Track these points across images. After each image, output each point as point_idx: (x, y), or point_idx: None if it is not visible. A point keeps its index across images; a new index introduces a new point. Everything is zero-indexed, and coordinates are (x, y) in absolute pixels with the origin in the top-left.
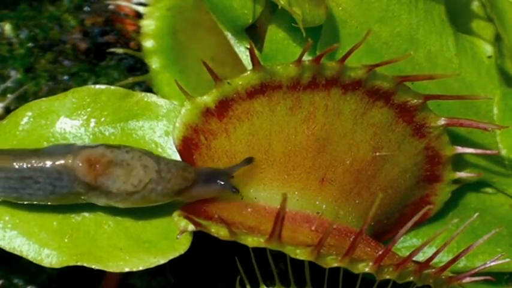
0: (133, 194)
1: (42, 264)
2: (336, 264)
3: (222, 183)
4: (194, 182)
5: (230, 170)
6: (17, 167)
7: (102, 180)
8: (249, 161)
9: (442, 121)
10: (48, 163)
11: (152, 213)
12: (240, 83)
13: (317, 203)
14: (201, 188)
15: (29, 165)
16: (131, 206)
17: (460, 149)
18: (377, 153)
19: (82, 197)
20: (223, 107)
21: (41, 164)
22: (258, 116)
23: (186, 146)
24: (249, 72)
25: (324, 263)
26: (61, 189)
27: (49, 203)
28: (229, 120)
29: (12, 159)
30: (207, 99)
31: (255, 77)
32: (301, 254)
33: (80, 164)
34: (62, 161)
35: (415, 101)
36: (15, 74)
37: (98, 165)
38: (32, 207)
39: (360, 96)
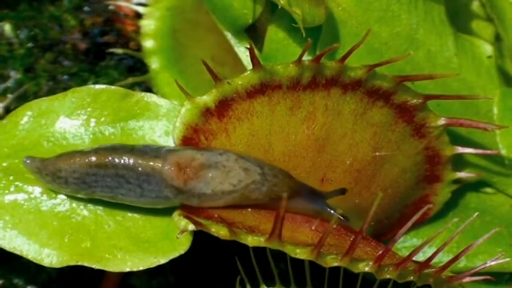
0: (232, 193)
1: (43, 264)
2: (336, 264)
3: (324, 205)
4: (296, 193)
5: (328, 195)
6: (113, 162)
7: (193, 183)
8: (343, 191)
9: (442, 121)
10: (139, 163)
11: (152, 213)
12: (240, 82)
13: None
14: (301, 202)
15: (123, 162)
16: (225, 204)
17: (460, 149)
18: (377, 153)
19: (172, 201)
20: (223, 106)
21: (133, 163)
22: (258, 116)
23: (186, 145)
24: (249, 72)
25: (324, 263)
26: (149, 193)
27: (143, 206)
28: (229, 120)
29: (109, 154)
30: (207, 99)
31: (255, 77)
32: (301, 254)
33: (170, 168)
34: (151, 163)
35: (415, 100)
36: (15, 74)
37: (188, 169)
38: (31, 206)
39: (359, 96)
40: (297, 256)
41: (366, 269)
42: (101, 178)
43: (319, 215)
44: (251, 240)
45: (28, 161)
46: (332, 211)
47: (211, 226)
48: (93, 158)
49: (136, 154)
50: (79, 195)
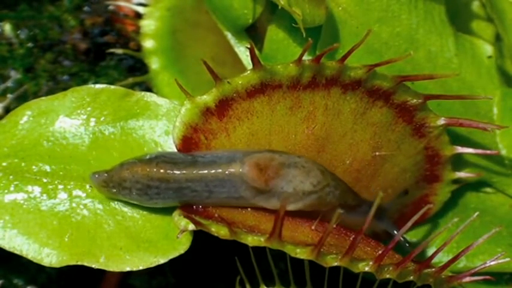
0: (311, 194)
1: (42, 264)
2: (336, 264)
3: (389, 224)
4: (356, 206)
5: (388, 207)
6: (175, 177)
7: (274, 182)
8: (406, 192)
9: (441, 121)
10: (209, 172)
11: (152, 213)
12: (240, 82)
13: None
14: (360, 216)
15: (187, 176)
16: (301, 208)
17: (460, 149)
18: (377, 153)
19: (244, 201)
20: (223, 106)
21: (199, 175)
22: (258, 116)
23: (186, 145)
24: (249, 71)
25: (324, 262)
26: (219, 195)
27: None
28: (229, 119)
29: (170, 168)
30: (207, 98)
31: (255, 77)
32: (301, 253)
33: (250, 171)
34: (227, 170)
35: (415, 100)
36: (15, 74)
37: (268, 169)
38: (31, 206)
39: (359, 96)
40: (297, 256)
41: (366, 268)
42: (163, 191)
43: (379, 233)
44: (251, 240)
45: (95, 176)
46: (403, 238)
47: (212, 226)
48: (154, 170)
49: (200, 167)
50: (144, 205)
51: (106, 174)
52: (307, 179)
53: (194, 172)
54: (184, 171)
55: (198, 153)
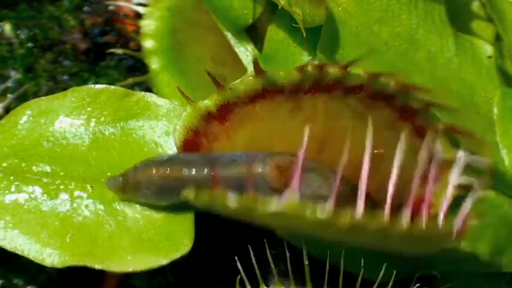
0: (328, 199)
1: (44, 264)
2: None
3: None
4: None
5: None
6: (192, 177)
7: None
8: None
9: (441, 126)
10: (227, 173)
11: (154, 213)
12: (242, 88)
13: None
14: None
15: (204, 177)
16: None
17: (460, 152)
18: (376, 153)
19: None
20: (224, 110)
21: (219, 175)
22: (259, 119)
23: (188, 148)
24: (251, 77)
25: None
26: (236, 193)
27: None
28: (230, 123)
29: (186, 166)
30: (209, 103)
31: (257, 83)
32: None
33: (271, 172)
34: (249, 170)
35: (416, 105)
36: (15, 74)
37: (288, 171)
38: (32, 206)
39: (361, 99)
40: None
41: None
42: (177, 190)
43: None
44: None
45: (111, 181)
46: None
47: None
48: (168, 171)
49: (217, 166)
50: (160, 204)
51: (121, 179)
52: (325, 184)
53: (209, 171)
54: (202, 172)
55: (215, 153)
